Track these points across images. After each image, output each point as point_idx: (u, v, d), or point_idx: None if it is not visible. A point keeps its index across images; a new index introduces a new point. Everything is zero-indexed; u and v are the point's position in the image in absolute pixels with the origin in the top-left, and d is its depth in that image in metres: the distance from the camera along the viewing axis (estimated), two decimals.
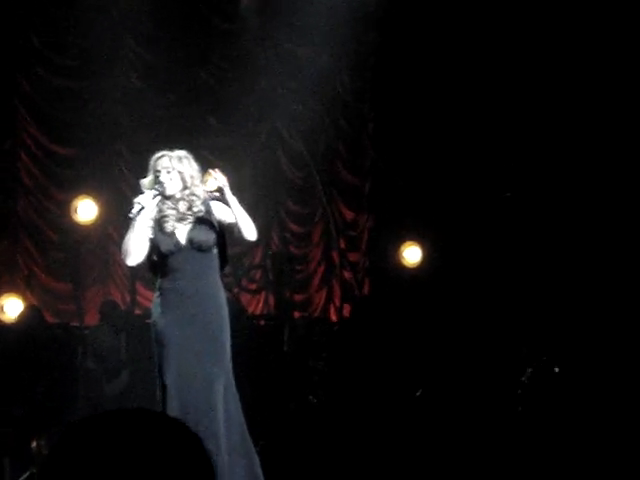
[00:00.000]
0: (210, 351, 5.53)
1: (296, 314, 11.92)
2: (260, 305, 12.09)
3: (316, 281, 12.66)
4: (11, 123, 11.11)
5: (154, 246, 5.62)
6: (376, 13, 12.23)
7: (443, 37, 11.93)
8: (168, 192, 5.62)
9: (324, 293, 12.66)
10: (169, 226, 5.61)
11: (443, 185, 12.06)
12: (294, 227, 12.63)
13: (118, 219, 10.68)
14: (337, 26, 11.86)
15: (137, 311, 10.87)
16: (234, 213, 5.58)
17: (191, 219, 5.63)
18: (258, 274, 12.18)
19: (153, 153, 5.76)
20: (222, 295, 5.70)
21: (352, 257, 12.75)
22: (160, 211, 5.64)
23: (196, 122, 11.75)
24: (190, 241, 5.59)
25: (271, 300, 11.87)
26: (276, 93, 12.01)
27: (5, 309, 10.26)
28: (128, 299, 11.21)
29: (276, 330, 10.56)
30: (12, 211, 11.10)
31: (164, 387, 5.50)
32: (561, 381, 8.73)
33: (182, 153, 5.71)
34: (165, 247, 5.58)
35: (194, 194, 5.65)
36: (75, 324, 10.71)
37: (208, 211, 5.66)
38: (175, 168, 5.64)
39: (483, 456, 7.27)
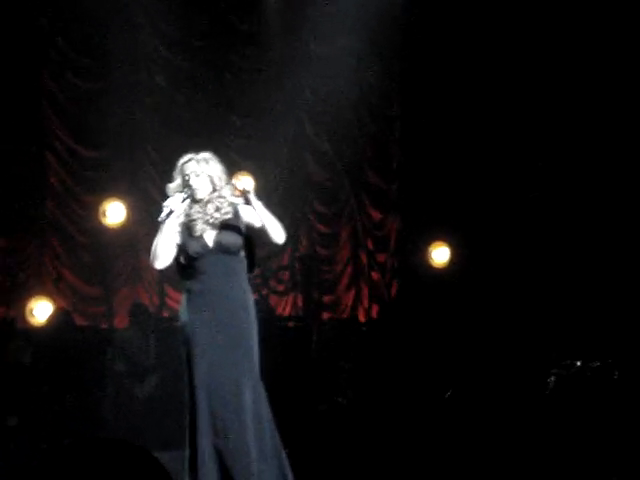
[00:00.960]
0: (238, 353, 5.53)
1: (324, 315, 11.95)
2: (288, 307, 12.10)
3: (344, 282, 12.66)
4: (39, 126, 11.19)
5: (182, 249, 5.63)
6: (403, 14, 12.21)
7: (470, 38, 11.91)
8: (198, 196, 5.65)
9: (352, 294, 12.65)
10: (198, 229, 5.63)
11: (471, 186, 12.03)
12: (322, 228, 12.63)
13: (146, 221, 10.74)
14: (363, 27, 11.87)
15: (165, 313, 10.92)
16: (260, 217, 5.59)
17: (219, 222, 5.64)
18: (286, 275, 12.19)
19: (179, 155, 5.77)
20: (250, 297, 5.70)
21: (380, 258, 12.75)
22: (188, 215, 5.66)
23: (223, 123, 11.80)
24: (218, 244, 5.60)
25: (299, 301, 11.90)
26: (302, 94, 12.03)
27: (35, 312, 10.33)
28: (157, 302, 11.25)
29: (305, 331, 10.58)
30: (40, 214, 11.16)
31: (193, 389, 5.51)
32: (591, 385, 8.69)
33: (207, 155, 5.73)
34: (193, 250, 5.60)
35: (222, 196, 5.67)
36: (104, 326, 10.77)
37: (236, 214, 5.67)
38: (204, 171, 5.66)
39: (511, 457, 7.25)
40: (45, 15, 10.98)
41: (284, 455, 5.62)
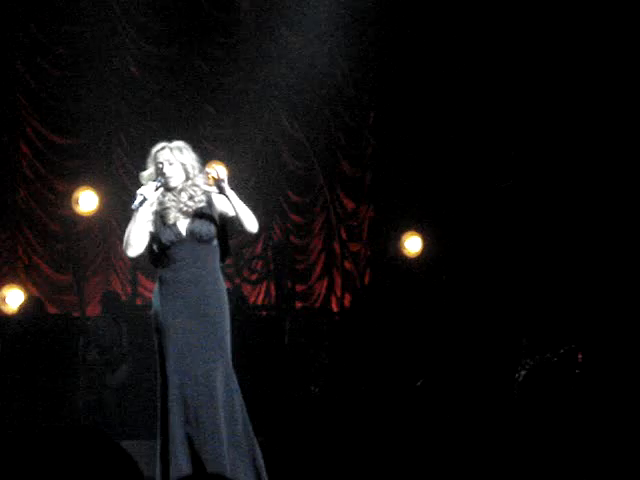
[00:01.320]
0: (210, 341, 5.52)
1: (297, 304, 11.95)
2: (261, 295, 12.11)
3: (317, 271, 12.69)
4: (12, 114, 11.14)
5: (155, 237, 5.62)
6: (376, 3, 12.22)
7: (444, 27, 11.93)
8: (172, 184, 5.64)
9: (325, 283, 12.69)
10: (171, 217, 5.62)
11: (443, 175, 12.08)
12: (295, 217, 12.65)
13: (119, 210, 10.72)
14: (337, 16, 11.87)
15: (138, 302, 10.91)
16: (233, 207, 5.59)
17: (192, 210, 5.64)
18: (259, 264, 12.20)
19: (153, 143, 5.75)
20: (223, 286, 5.69)
21: (353, 247, 12.78)
22: (161, 203, 5.64)
23: (196, 112, 11.78)
24: (191, 232, 5.59)
25: (272, 290, 11.90)
26: (276, 84, 12.02)
27: (7, 300, 10.29)
28: (129, 290, 11.24)
29: (277, 320, 10.60)
30: (13, 202, 11.11)
31: (164, 377, 5.50)
32: (560, 372, 8.74)
33: (181, 144, 5.72)
34: (166, 238, 5.58)
35: (195, 184, 5.66)
36: (76, 315, 10.75)
37: (209, 203, 5.66)
38: (177, 159, 5.65)
39: (481, 447, 7.29)
40: (17, 3, 10.91)
41: (256, 444, 5.61)
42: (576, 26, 11.31)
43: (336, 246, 12.71)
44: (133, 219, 5.53)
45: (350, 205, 12.89)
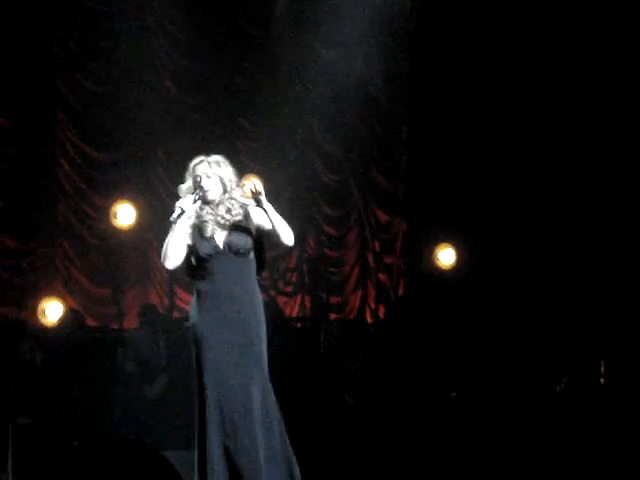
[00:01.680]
0: (247, 353, 5.58)
1: (332, 316, 12.00)
2: (296, 308, 12.16)
3: (351, 283, 12.73)
4: (50, 129, 11.26)
5: (193, 250, 5.68)
6: (410, 17, 12.28)
7: (478, 40, 11.95)
8: (210, 197, 5.70)
9: (359, 295, 12.72)
10: (208, 230, 5.68)
11: (477, 187, 12.09)
12: (329, 230, 12.71)
13: (156, 223, 10.82)
14: (370, 30, 11.93)
15: (175, 314, 10.99)
16: (271, 220, 5.64)
17: (230, 224, 5.69)
18: (294, 277, 12.25)
19: (190, 157, 5.82)
20: (259, 299, 5.74)
21: (387, 259, 12.82)
22: (199, 216, 5.71)
23: (231, 126, 11.88)
24: (228, 245, 5.64)
25: (307, 302, 11.95)
26: (310, 97, 12.09)
27: (46, 313, 10.40)
28: (166, 302, 11.33)
29: (312, 332, 10.63)
30: (52, 216, 11.25)
31: (202, 389, 5.56)
32: (598, 382, 8.73)
33: (219, 158, 5.78)
34: (204, 251, 5.65)
35: (232, 198, 5.72)
36: (115, 327, 10.84)
37: (246, 216, 5.71)
38: (215, 173, 5.71)
39: (518, 456, 7.30)
40: (57, 20, 11.07)
41: (293, 456, 5.65)
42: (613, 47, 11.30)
43: (370, 258, 12.76)
44: (171, 231, 5.60)
45: (384, 217, 12.94)
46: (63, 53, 11.20)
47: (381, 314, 12.39)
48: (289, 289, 12.18)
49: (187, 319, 5.87)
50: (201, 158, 5.77)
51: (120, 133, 11.32)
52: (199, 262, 5.68)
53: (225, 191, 5.72)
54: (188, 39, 11.60)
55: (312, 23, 11.90)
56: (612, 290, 10.71)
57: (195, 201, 5.64)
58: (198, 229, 5.70)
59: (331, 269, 12.55)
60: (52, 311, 10.37)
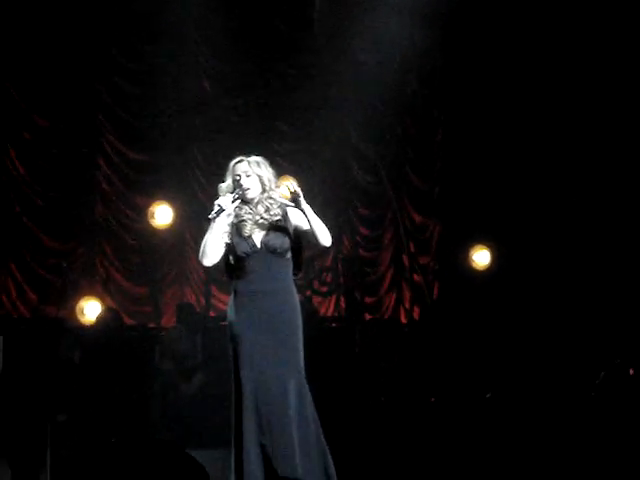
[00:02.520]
0: (283, 352, 5.61)
1: (367, 316, 12.05)
2: (331, 307, 12.22)
3: (386, 284, 12.77)
4: (90, 130, 11.41)
5: (231, 249, 5.72)
6: (445, 19, 12.30)
7: (512, 42, 11.96)
8: (249, 196, 5.74)
9: (394, 296, 12.76)
10: (247, 230, 5.72)
11: (511, 188, 12.09)
12: (364, 231, 12.76)
13: (193, 223, 10.93)
14: (406, 33, 11.97)
15: (212, 313, 11.08)
16: (309, 221, 5.67)
17: (268, 223, 5.73)
18: (329, 277, 12.31)
19: (226, 159, 5.86)
20: (296, 298, 5.78)
21: (422, 260, 12.84)
22: (238, 215, 5.75)
23: (268, 128, 11.95)
24: (266, 245, 5.68)
25: (342, 302, 12.01)
26: (347, 100, 12.14)
27: (85, 312, 10.54)
28: (203, 302, 11.42)
29: (347, 332, 10.67)
30: (91, 216, 11.38)
31: (239, 388, 5.58)
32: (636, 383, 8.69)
33: (259, 158, 5.83)
34: (241, 250, 5.69)
35: (271, 197, 5.77)
36: (152, 326, 10.95)
37: (285, 216, 5.75)
38: (254, 172, 5.75)
39: (555, 457, 7.30)
40: (98, 23, 11.21)
41: (329, 455, 5.66)
42: None
43: (405, 259, 12.79)
44: (210, 229, 5.64)
45: (418, 218, 12.96)
46: (103, 56, 11.34)
47: (415, 315, 12.42)
48: (324, 289, 12.24)
49: (224, 318, 5.92)
50: (241, 157, 5.81)
51: (158, 135, 11.45)
52: (237, 261, 5.71)
53: (264, 190, 5.76)
54: (226, 41, 11.69)
55: (350, 26, 11.95)
56: None
57: (234, 200, 5.69)
58: (236, 228, 5.73)
59: (366, 269, 12.60)
60: (91, 310, 10.51)
